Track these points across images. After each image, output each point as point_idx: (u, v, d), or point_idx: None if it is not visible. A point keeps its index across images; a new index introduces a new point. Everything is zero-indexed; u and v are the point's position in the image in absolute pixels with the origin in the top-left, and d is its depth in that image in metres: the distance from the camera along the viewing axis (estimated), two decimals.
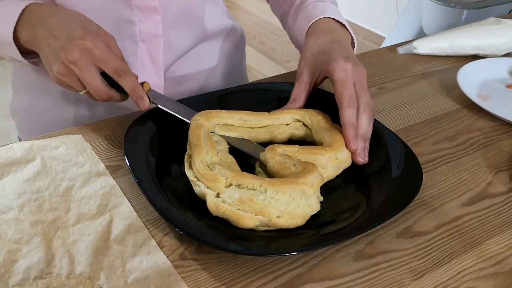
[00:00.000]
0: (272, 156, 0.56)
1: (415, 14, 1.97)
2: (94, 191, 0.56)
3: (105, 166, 0.60)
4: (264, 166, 0.58)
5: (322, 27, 0.73)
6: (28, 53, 0.69)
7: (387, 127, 0.66)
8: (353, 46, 0.77)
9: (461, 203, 0.59)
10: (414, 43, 0.96)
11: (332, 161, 0.58)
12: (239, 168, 0.56)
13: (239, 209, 0.49)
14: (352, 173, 0.60)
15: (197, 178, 0.54)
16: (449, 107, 0.79)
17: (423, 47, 0.95)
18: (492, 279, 0.49)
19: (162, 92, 0.82)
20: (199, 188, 0.53)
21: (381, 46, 1.17)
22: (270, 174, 0.56)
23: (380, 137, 0.64)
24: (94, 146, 0.64)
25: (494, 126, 0.75)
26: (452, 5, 1.65)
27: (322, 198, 0.54)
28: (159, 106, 0.64)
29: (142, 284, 0.46)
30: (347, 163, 0.60)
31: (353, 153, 0.60)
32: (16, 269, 0.46)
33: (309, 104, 0.67)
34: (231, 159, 0.58)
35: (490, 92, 0.84)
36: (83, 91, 0.63)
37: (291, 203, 0.50)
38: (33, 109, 0.85)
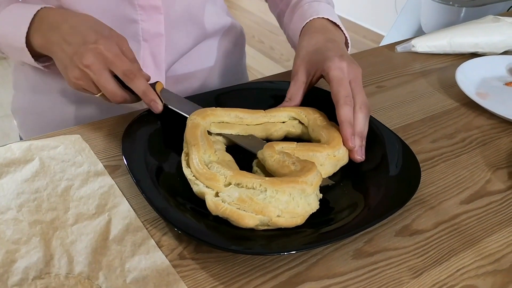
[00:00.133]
0: (271, 155, 0.56)
1: (414, 12, 1.97)
2: (93, 191, 0.56)
3: (104, 165, 0.60)
4: (261, 165, 0.57)
5: (315, 27, 0.74)
6: (39, 57, 0.70)
7: (385, 126, 0.66)
8: (347, 47, 0.78)
9: (459, 201, 0.59)
10: (413, 41, 0.96)
11: (330, 158, 0.58)
12: (237, 167, 0.56)
13: (239, 209, 0.49)
14: (350, 171, 0.60)
15: (195, 177, 0.53)
16: (447, 105, 0.79)
17: (421, 45, 0.95)
18: (491, 277, 0.50)
19: None
20: (198, 187, 0.53)
21: (380, 45, 1.17)
22: (267, 173, 0.56)
23: (378, 135, 0.64)
24: (93, 146, 0.64)
25: (492, 124, 0.75)
26: (451, 3, 1.65)
27: (321, 195, 0.54)
28: (170, 107, 0.64)
29: (141, 284, 0.46)
30: (344, 160, 0.60)
31: (350, 151, 0.60)
32: (15, 269, 0.46)
33: (304, 102, 0.67)
34: (229, 157, 0.58)
35: (489, 90, 0.84)
36: (98, 94, 0.64)
37: (291, 202, 0.50)
38: (34, 108, 0.86)
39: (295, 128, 0.65)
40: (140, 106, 0.72)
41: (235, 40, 0.95)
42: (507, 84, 0.86)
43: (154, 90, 0.64)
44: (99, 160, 0.61)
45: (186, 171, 0.55)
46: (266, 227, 0.50)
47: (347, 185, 0.59)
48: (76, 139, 0.64)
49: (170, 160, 0.60)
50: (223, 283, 0.47)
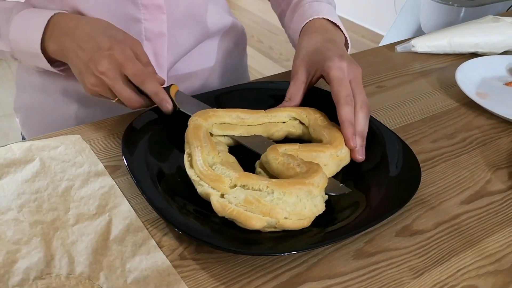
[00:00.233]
0: (275, 157, 0.56)
1: (413, 12, 1.97)
2: (93, 191, 0.56)
3: (104, 166, 0.60)
4: (264, 166, 0.57)
5: (315, 27, 0.74)
6: (53, 61, 0.71)
7: (385, 126, 0.66)
8: (347, 47, 0.78)
9: (460, 201, 0.59)
10: (413, 41, 0.96)
11: (333, 158, 0.58)
12: (241, 168, 0.56)
13: (245, 210, 0.49)
14: (351, 171, 0.60)
15: (199, 177, 0.53)
16: (447, 105, 0.80)
17: (421, 45, 0.95)
18: (491, 277, 0.50)
19: None
20: (203, 188, 0.52)
21: (379, 45, 1.17)
22: (271, 174, 0.56)
23: (378, 135, 0.64)
24: (93, 146, 0.64)
25: (492, 124, 0.75)
26: (450, 3, 1.65)
27: (327, 197, 0.54)
28: (182, 111, 0.64)
29: (141, 284, 0.46)
30: (346, 160, 0.60)
31: (351, 151, 0.60)
32: (15, 269, 0.46)
33: (304, 102, 0.67)
34: (232, 159, 0.57)
35: (489, 90, 0.84)
36: (115, 100, 0.64)
37: (298, 204, 0.50)
38: (36, 107, 0.86)
39: (295, 128, 0.65)
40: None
41: (237, 40, 0.95)
42: (507, 84, 0.86)
43: (169, 92, 0.64)
44: (100, 160, 0.61)
45: (189, 171, 0.55)
46: (272, 229, 0.50)
47: (348, 186, 0.59)
48: (77, 139, 0.64)
49: (170, 161, 0.60)
50: (224, 284, 0.47)
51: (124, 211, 0.54)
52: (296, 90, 0.67)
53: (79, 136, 0.65)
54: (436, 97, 0.82)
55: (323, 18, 0.75)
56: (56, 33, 0.66)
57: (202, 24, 0.84)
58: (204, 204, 0.52)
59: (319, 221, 0.52)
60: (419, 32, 1.88)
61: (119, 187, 0.57)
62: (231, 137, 0.62)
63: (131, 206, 0.55)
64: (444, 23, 1.66)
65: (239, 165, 0.57)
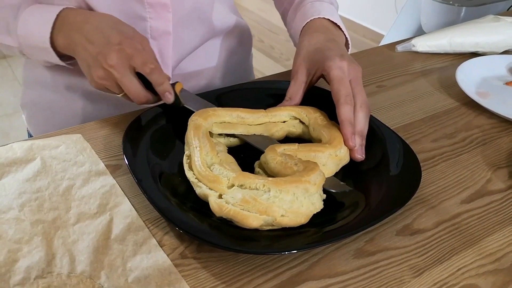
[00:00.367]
0: (273, 157, 0.56)
1: (414, 12, 1.97)
2: (94, 190, 0.56)
3: (105, 165, 0.60)
4: (263, 166, 0.57)
5: (316, 26, 0.74)
6: (62, 56, 0.71)
7: (386, 125, 0.66)
8: (347, 48, 0.78)
9: (460, 201, 0.59)
10: (413, 41, 0.96)
11: (332, 158, 0.58)
12: (239, 168, 0.56)
13: (243, 209, 0.49)
14: (351, 171, 0.61)
15: (197, 179, 0.53)
16: (448, 104, 0.80)
17: (421, 44, 0.95)
18: (491, 276, 0.50)
19: None
20: (201, 189, 0.53)
21: (380, 44, 1.17)
22: (269, 175, 0.56)
23: (379, 135, 0.64)
24: (94, 146, 0.64)
25: (493, 123, 0.75)
26: (451, 2, 1.65)
27: (324, 196, 0.54)
28: (187, 107, 0.65)
29: (142, 283, 0.46)
30: (346, 160, 0.60)
31: (351, 150, 0.60)
32: (17, 268, 0.47)
33: (304, 101, 0.67)
34: (231, 159, 0.58)
35: (489, 89, 0.84)
36: (121, 94, 0.65)
37: (295, 201, 0.50)
38: (42, 103, 0.87)
39: (295, 128, 0.65)
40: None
41: (242, 39, 0.95)
42: (507, 83, 0.86)
43: (174, 90, 0.65)
44: (101, 159, 0.61)
45: (188, 173, 0.55)
46: (270, 227, 0.50)
47: (348, 185, 0.59)
48: (78, 139, 0.64)
49: (171, 160, 0.60)
50: (225, 282, 0.47)
51: (125, 210, 0.54)
52: (296, 90, 0.67)
53: (80, 135, 0.65)
54: (437, 97, 0.82)
55: (324, 18, 0.75)
56: (65, 28, 0.67)
57: (208, 23, 0.84)
58: (204, 203, 0.53)
59: (319, 220, 0.52)
60: (419, 32, 1.88)
61: (120, 186, 0.57)
62: (237, 135, 0.63)
63: (132, 205, 0.55)
64: (445, 22, 1.66)
65: (237, 165, 0.57)
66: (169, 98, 0.64)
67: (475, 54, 0.96)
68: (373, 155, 0.61)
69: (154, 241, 0.50)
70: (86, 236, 0.50)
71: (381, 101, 0.79)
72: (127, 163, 0.56)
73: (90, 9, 0.73)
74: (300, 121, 0.66)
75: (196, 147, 0.56)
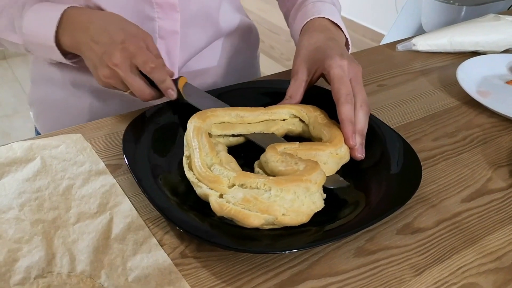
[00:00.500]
0: (273, 156, 0.56)
1: (414, 11, 1.97)
2: (94, 190, 0.56)
3: (105, 164, 0.60)
4: (263, 166, 0.57)
5: (316, 26, 0.74)
6: (67, 53, 0.72)
7: (386, 124, 0.66)
8: (348, 48, 0.78)
9: (461, 199, 0.59)
10: (413, 40, 0.96)
11: (332, 156, 0.58)
12: (240, 168, 0.56)
13: (244, 208, 0.49)
14: (352, 169, 0.60)
15: (198, 179, 0.53)
16: (448, 103, 0.80)
17: (422, 44, 0.95)
18: (492, 275, 0.50)
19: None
20: (201, 189, 0.52)
21: (380, 44, 1.17)
22: (270, 174, 0.56)
23: (379, 134, 0.64)
24: (94, 145, 0.64)
25: (493, 122, 0.75)
26: (451, 1, 1.65)
27: (325, 195, 0.54)
28: (190, 102, 0.66)
29: (143, 282, 0.46)
30: (346, 158, 0.60)
31: (351, 149, 0.60)
32: (17, 268, 0.47)
33: (304, 100, 0.67)
34: (231, 159, 0.57)
35: (490, 88, 0.84)
36: (127, 91, 0.66)
37: (295, 200, 0.50)
38: (50, 100, 0.88)
39: (295, 126, 0.65)
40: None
41: (249, 39, 0.96)
42: (508, 82, 0.86)
43: (177, 84, 0.66)
44: (101, 159, 0.61)
45: (188, 174, 0.55)
46: (271, 226, 0.50)
47: (349, 184, 0.59)
48: (78, 138, 0.64)
49: (171, 159, 0.60)
50: (225, 281, 0.47)
51: (125, 210, 0.54)
52: (297, 89, 0.67)
53: (80, 135, 0.65)
54: (437, 96, 0.82)
55: (324, 17, 0.75)
56: (70, 27, 0.68)
57: (215, 23, 0.85)
58: (204, 202, 0.52)
59: (320, 219, 0.52)
60: (420, 31, 1.88)
61: (120, 186, 0.57)
62: (238, 135, 0.63)
63: (132, 205, 0.55)
64: (445, 21, 1.66)
65: (237, 165, 0.57)
66: (172, 95, 0.65)
67: (475, 53, 0.96)
68: (373, 154, 0.61)
69: (154, 240, 0.50)
70: (86, 235, 0.50)
71: (381, 100, 0.79)
72: (127, 162, 0.56)
73: (99, 8, 0.73)
74: (300, 120, 0.65)
75: (196, 149, 0.56)
